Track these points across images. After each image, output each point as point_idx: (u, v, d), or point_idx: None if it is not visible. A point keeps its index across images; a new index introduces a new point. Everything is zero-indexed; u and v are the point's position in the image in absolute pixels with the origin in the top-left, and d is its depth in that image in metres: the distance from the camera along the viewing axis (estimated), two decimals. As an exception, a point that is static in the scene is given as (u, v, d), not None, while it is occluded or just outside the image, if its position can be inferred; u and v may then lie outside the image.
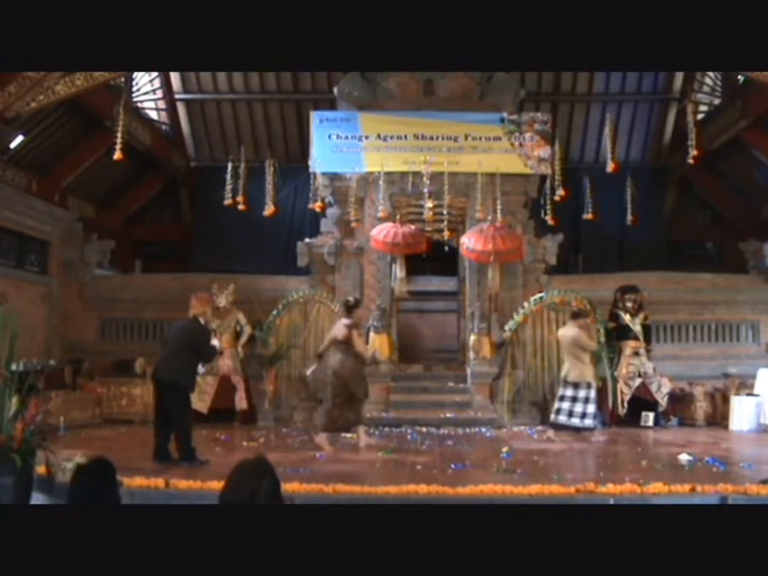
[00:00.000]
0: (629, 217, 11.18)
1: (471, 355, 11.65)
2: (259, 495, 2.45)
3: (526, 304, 11.54)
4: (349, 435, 8.72)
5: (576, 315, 9.60)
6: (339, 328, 8.62)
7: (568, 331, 9.44)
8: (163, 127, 16.54)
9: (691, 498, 5.39)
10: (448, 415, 10.91)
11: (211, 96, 16.42)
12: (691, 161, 9.32)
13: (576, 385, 9.17)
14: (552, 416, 9.41)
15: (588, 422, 9.12)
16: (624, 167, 11.64)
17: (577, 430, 9.22)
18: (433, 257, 12.66)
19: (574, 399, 9.16)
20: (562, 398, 9.27)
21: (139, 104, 15.59)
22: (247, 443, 8.87)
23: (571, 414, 9.16)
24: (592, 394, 9.21)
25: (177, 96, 16.36)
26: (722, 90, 14.75)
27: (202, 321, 7.21)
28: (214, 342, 7.36)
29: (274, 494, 2.51)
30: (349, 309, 8.72)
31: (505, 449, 8.15)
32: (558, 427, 9.28)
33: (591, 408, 9.13)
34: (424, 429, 10.23)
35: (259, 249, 15.33)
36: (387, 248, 11.73)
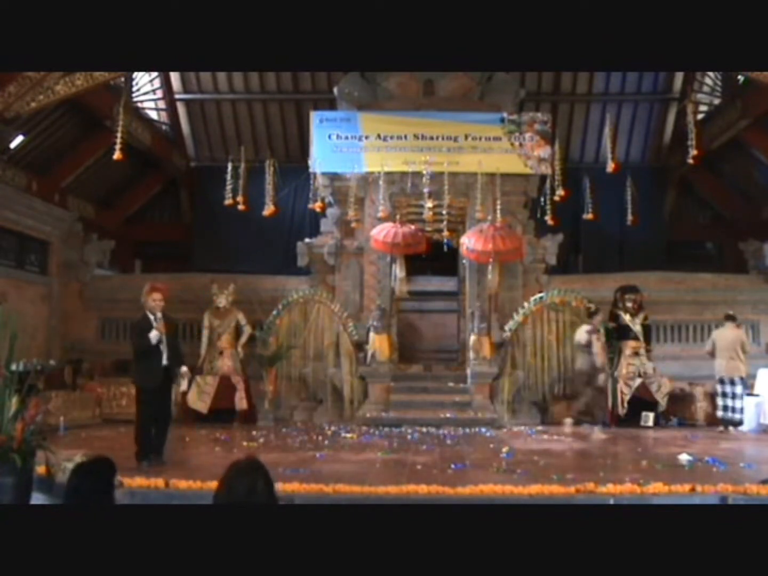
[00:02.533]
0: (629, 217, 11.18)
1: (471, 355, 11.64)
2: (252, 495, 2.45)
3: (526, 304, 11.55)
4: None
5: (732, 317, 10.63)
6: (581, 333, 10.11)
7: (728, 333, 10.37)
8: (163, 127, 16.55)
9: (691, 498, 5.39)
10: (448, 415, 10.90)
11: (211, 96, 16.42)
12: (691, 161, 9.32)
13: (732, 381, 10.07)
14: (719, 413, 10.39)
15: (738, 416, 10.16)
16: (624, 167, 11.63)
17: (733, 424, 10.16)
18: (433, 257, 12.66)
19: (733, 395, 10.16)
20: (724, 395, 10.25)
21: (139, 104, 15.59)
22: (247, 443, 8.86)
23: (725, 409, 10.26)
24: (743, 389, 10.21)
25: (177, 96, 16.36)
26: (722, 90, 14.75)
27: (148, 313, 6.99)
28: (151, 334, 6.86)
29: (268, 494, 2.50)
30: (590, 315, 10.16)
31: (505, 449, 8.15)
32: (726, 423, 10.22)
33: (741, 403, 10.18)
34: (424, 429, 10.23)
35: (259, 249, 15.33)
36: (387, 248, 11.73)
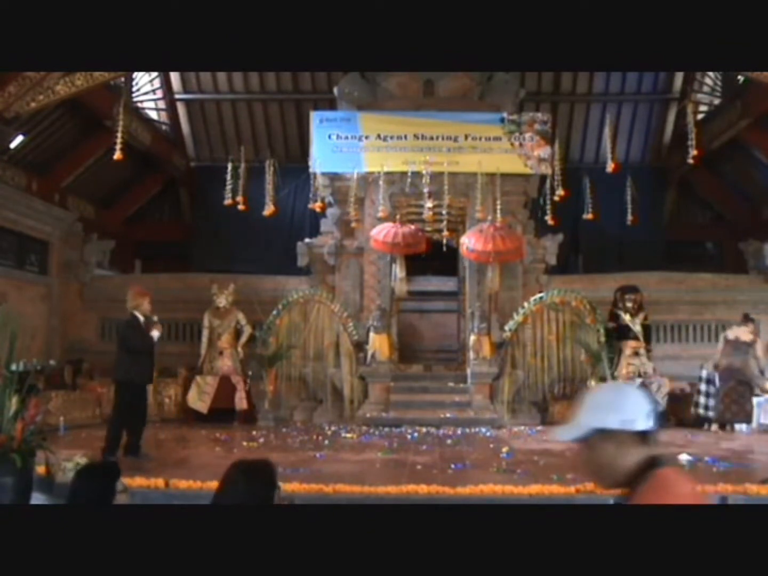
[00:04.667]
0: (629, 217, 11.18)
1: (471, 355, 11.64)
2: (245, 496, 2.45)
3: (526, 304, 11.55)
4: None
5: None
6: (745, 332, 10.71)
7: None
8: (163, 127, 16.55)
9: (690, 498, 5.37)
10: (448, 415, 10.91)
11: (211, 96, 16.42)
12: (691, 161, 9.33)
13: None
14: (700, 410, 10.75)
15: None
16: (624, 167, 11.65)
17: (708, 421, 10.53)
18: (433, 257, 12.66)
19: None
20: (707, 394, 10.61)
21: (139, 104, 15.59)
22: (247, 443, 8.87)
23: (706, 407, 10.68)
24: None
25: (177, 96, 16.36)
26: (722, 90, 14.75)
27: (138, 314, 7.32)
28: (154, 333, 7.39)
29: (263, 497, 2.49)
30: (746, 320, 10.88)
31: (505, 449, 8.16)
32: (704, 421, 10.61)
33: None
34: (424, 429, 10.23)
35: (259, 249, 15.33)
36: (387, 248, 11.73)
